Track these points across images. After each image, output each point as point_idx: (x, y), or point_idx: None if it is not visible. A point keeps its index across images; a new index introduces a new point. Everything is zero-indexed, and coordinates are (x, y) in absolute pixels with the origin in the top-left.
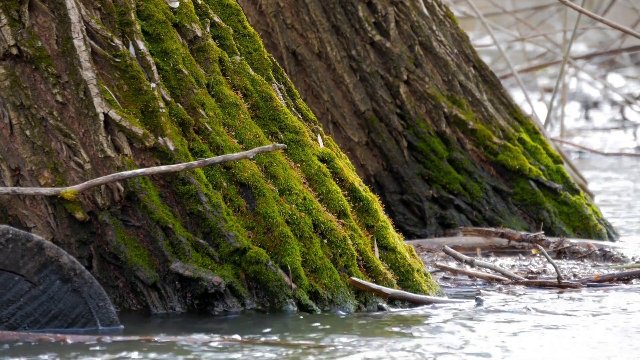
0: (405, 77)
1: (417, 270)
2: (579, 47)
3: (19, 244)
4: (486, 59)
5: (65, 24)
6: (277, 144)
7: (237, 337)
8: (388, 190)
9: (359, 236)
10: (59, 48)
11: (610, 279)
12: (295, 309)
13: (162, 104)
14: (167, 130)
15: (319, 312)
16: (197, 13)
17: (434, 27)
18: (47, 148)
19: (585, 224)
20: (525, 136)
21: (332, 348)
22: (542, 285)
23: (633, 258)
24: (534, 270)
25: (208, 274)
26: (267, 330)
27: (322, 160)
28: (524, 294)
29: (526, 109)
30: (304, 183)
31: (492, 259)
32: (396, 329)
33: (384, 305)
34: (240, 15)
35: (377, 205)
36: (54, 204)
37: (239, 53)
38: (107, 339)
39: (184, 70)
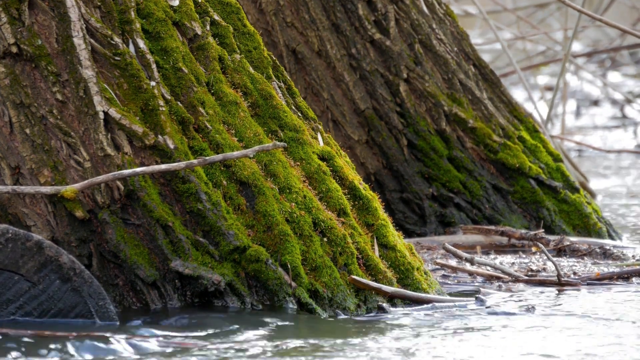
0: (405, 76)
1: (417, 269)
2: (576, 46)
3: (18, 244)
4: (486, 57)
5: (65, 22)
6: (277, 143)
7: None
8: (388, 188)
9: (359, 234)
10: (59, 46)
11: (610, 277)
12: (295, 307)
13: (162, 102)
14: (167, 128)
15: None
16: (197, 11)
17: (434, 26)
18: (47, 146)
19: (585, 222)
20: (525, 134)
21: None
22: (542, 283)
23: (633, 256)
24: (534, 268)
25: (208, 272)
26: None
27: (322, 158)
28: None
29: (528, 107)
30: (304, 181)
31: (492, 257)
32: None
33: (384, 304)
34: (240, 13)
35: (377, 203)
36: (54, 203)
37: (238, 51)
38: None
39: (183, 68)
